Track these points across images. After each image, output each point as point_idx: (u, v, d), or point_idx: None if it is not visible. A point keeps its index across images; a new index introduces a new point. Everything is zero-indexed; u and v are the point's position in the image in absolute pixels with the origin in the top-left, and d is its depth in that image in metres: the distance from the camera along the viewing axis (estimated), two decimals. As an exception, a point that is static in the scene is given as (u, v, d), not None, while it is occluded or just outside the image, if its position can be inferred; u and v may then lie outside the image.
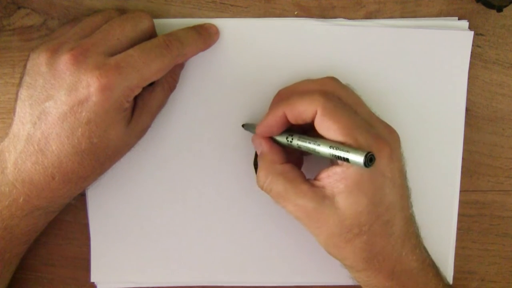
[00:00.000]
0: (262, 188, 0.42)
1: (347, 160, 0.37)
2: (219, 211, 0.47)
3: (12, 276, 0.45)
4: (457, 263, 0.49)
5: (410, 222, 0.42)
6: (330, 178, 0.39)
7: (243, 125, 0.46)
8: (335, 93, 0.41)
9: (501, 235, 0.50)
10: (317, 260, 0.48)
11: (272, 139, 0.43)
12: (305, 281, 0.49)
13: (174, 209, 0.47)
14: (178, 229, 0.47)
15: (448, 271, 0.49)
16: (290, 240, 0.48)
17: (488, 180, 0.49)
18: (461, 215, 0.48)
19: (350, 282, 0.45)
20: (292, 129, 0.43)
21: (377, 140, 0.39)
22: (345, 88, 0.42)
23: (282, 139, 0.43)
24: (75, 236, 0.48)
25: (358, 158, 0.36)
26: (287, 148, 0.43)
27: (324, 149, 0.39)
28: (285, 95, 0.43)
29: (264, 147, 0.43)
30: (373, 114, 0.42)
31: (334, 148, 0.38)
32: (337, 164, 0.39)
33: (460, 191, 0.48)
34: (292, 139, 0.42)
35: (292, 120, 0.41)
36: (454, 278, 0.49)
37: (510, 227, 0.50)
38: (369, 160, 0.36)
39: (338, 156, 0.38)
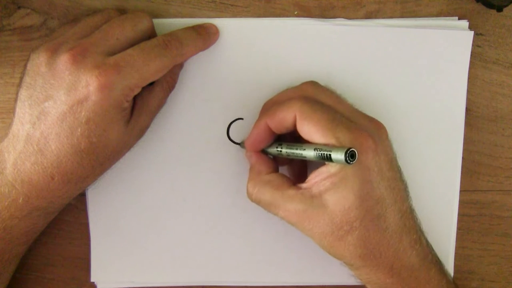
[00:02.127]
0: (251, 199, 0.43)
1: (331, 159, 0.37)
2: (219, 211, 0.47)
3: (12, 276, 0.45)
4: (457, 263, 0.49)
5: (407, 216, 0.41)
6: (317, 178, 0.39)
7: (239, 144, 0.47)
8: (314, 96, 0.41)
9: (501, 235, 0.50)
10: (317, 260, 0.48)
11: (262, 151, 0.44)
12: (305, 281, 0.49)
13: (174, 209, 0.47)
14: (178, 229, 0.47)
15: (448, 271, 0.49)
16: (290, 240, 0.48)
17: (488, 180, 0.49)
18: (461, 215, 0.48)
19: (350, 282, 0.45)
20: (283, 139, 0.43)
21: (360, 134, 0.39)
22: (323, 89, 0.42)
23: (273, 150, 0.43)
24: (75, 236, 0.48)
25: (339, 156, 0.37)
26: (280, 158, 0.44)
27: (310, 153, 0.39)
28: (267, 107, 0.44)
29: (252, 159, 0.44)
30: (356, 110, 0.42)
31: (318, 150, 0.38)
32: (324, 164, 0.40)
33: (460, 191, 0.48)
34: (282, 148, 0.42)
35: (276, 130, 0.42)
36: (454, 278, 0.49)
37: (510, 227, 0.50)
38: (350, 156, 0.36)
39: (323, 157, 0.38)
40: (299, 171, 0.46)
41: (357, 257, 0.40)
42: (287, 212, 0.40)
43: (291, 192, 0.40)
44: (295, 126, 0.40)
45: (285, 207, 0.40)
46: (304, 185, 0.40)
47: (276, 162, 0.44)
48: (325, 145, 0.38)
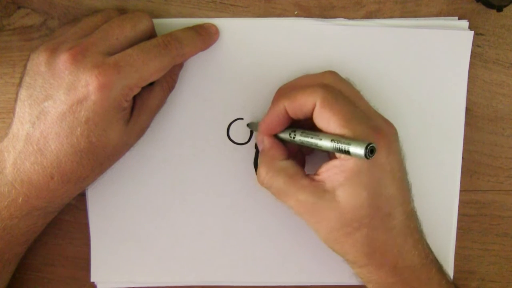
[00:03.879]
0: (262, 184, 0.43)
1: (348, 152, 0.37)
2: (220, 210, 0.47)
3: (12, 276, 0.45)
4: (457, 263, 0.49)
5: (411, 217, 0.42)
6: (330, 172, 0.39)
7: (247, 125, 0.46)
8: (335, 86, 0.41)
9: (501, 235, 0.50)
10: (318, 260, 0.48)
11: (275, 136, 0.44)
12: (305, 281, 0.49)
13: (174, 209, 0.47)
14: (178, 229, 0.47)
15: (448, 271, 0.48)
16: (290, 240, 0.48)
17: (488, 180, 0.49)
18: (461, 215, 0.48)
19: (351, 282, 0.45)
20: (295, 126, 0.43)
21: (375, 131, 0.39)
22: (345, 81, 0.42)
23: (285, 135, 0.43)
24: (75, 236, 0.48)
25: (358, 150, 0.36)
26: (289, 146, 0.44)
27: (326, 143, 0.39)
28: (285, 91, 0.43)
29: (266, 143, 0.43)
30: (372, 108, 0.42)
31: (336, 141, 0.38)
32: (335, 157, 0.40)
33: (460, 191, 0.48)
34: (295, 135, 0.42)
35: (293, 114, 0.41)
36: (454, 278, 0.49)
37: (510, 227, 0.50)
38: (370, 151, 0.36)
39: (339, 149, 0.38)
40: (300, 163, 0.46)
41: (362, 255, 0.40)
42: (297, 202, 0.40)
43: (304, 182, 0.40)
44: (312, 112, 0.40)
45: (296, 196, 0.40)
46: (317, 177, 0.40)
47: (288, 149, 0.44)
48: (342, 136, 0.38)
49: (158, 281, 0.48)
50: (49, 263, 0.49)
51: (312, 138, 0.40)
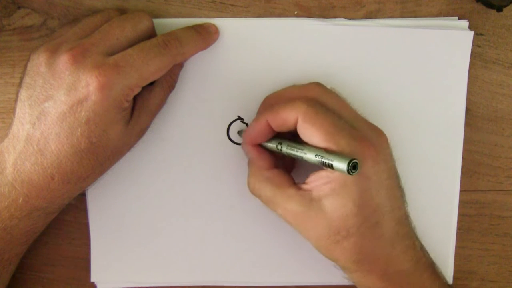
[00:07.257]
0: (252, 193, 0.43)
1: (332, 166, 0.37)
2: (219, 210, 0.47)
3: (12, 276, 0.45)
4: (457, 263, 0.49)
5: (402, 223, 0.42)
6: (317, 182, 0.39)
7: (238, 132, 0.46)
8: (319, 99, 0.41)
9: (501, 235, 0.50)
10: (317, 260, 0.47)
11: (261, 146, 0.44)
12: (304, 281, 0.49)
13: (174, 209, 0.47)
14: (178, 229, 0.47)
15: (448, 271, 0.49)
16: (289, 240, 0.48)
17: (488, 180, 0.49)
18: (461, 215, 0.48)
19: (350, 282, 0.45)
20: (283, 135, 0.43)
21: (362, 143, 0.39)
22: (329, 92, 0.42)
23: (273, 146, 0.43)
24: (75, 236, 0.48)
25: (341, 165, 0.36)
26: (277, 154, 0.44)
27: (310, 157, 0.39)
28: (270, 102, 0.44)
29: (251, 154, 0.43)
30: (360, 116, 0.42)
31: (319, 156, 0.38)
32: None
33: (460, 191, 0.48)
34: (282, 147, 0.42)
35: (276, 128, 0.41)
36: (454, 278, 0.49)
37: (510, 227, 0.50)
38: (353, 167, 0.36)
39: (324, 163, 0.38)
40: (289, 166, 0.46)
41: (352, 261, 0.41)
42: (286, 211, 0.41)
43: (291, 191, 0.40)
44: (295, 127, 0.40)
45: (284, 206, 0.41)
46: (304, 186, 0.40)
47: (275, 157, 0.44)
48: (326, 150, 0.38)
49: (158, 281, 0.48)
50: (49, 263, 0.49)
51: (297, 151, 0.40)
